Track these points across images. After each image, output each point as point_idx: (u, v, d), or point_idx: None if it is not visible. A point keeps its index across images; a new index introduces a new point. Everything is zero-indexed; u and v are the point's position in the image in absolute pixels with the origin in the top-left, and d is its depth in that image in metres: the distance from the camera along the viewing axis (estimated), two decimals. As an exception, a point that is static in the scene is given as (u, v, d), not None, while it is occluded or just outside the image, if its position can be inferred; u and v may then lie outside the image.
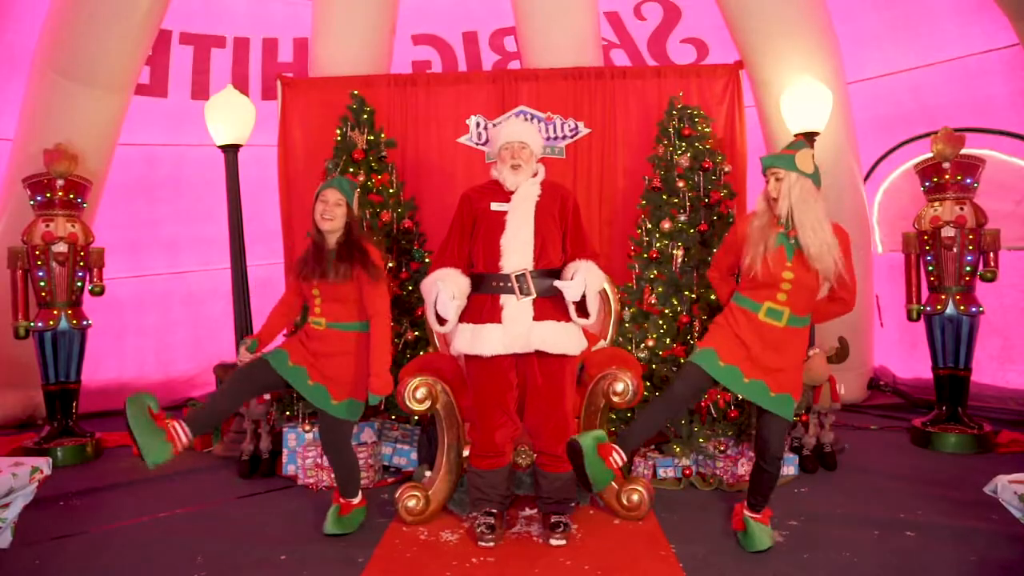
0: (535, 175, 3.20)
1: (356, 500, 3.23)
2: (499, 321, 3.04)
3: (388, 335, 3.12)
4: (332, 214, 3.07)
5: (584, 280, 3.03)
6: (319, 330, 3.10)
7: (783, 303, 2.76)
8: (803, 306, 2.79)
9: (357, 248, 3.07)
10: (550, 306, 3.07)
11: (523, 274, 3.05)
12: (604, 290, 3.76)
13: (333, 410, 3.07)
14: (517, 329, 3.02)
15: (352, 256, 3.05)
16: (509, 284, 3.05)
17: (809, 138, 4.52)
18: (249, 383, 3.11)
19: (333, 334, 3.08)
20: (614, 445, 2.78)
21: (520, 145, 3.17)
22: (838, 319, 3.00)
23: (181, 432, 2.86)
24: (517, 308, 3.04)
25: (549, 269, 3.09)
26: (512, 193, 3.15)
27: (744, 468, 3.68)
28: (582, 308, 3.06)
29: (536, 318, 3.04)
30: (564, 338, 3.07)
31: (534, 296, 3.05)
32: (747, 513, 2.97)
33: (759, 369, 2.78)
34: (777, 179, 2.77)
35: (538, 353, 3.06)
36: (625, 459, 2.79)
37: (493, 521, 3.10)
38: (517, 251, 3.05)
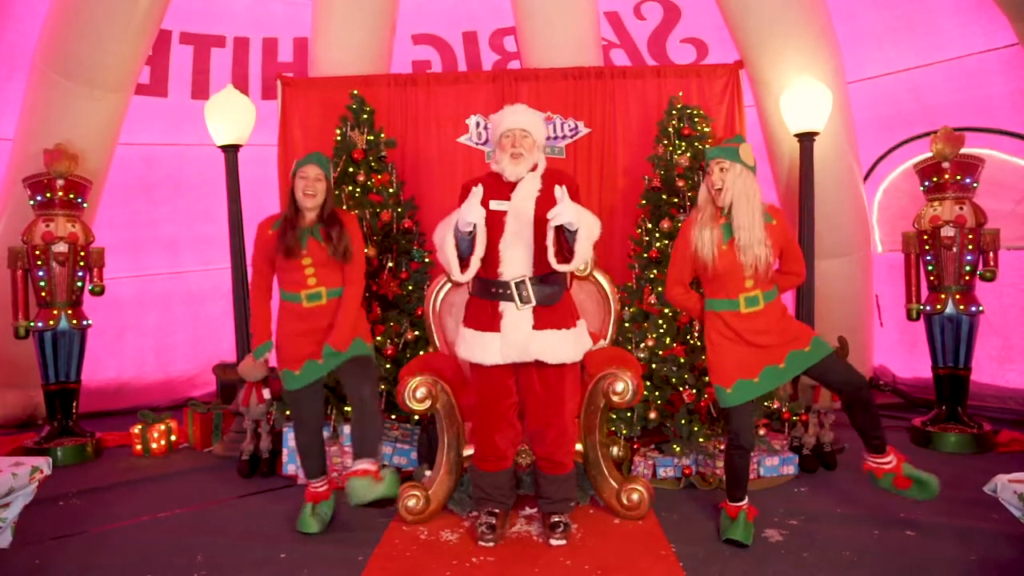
0: (535, 168, 3.06)
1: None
2: (498, 330, 2.99)
3: (359, 302, 3.22)
4: (314, 189, 3.12)
5: (577, 208, 2.77)
6: (320, 306, 3.13)
7: (752, 288, 2.88)
8: (767, 281, 2.91)
9: (337, 218, 3.19)
10: (550, 313, 3.01)
11: (522, 281, 2.98)
12: (604, 290, 3.76)
13: (354, 349, 3.13)
14: (515, 337, 2.97)
15: (339, 221, 3.17)
16: (508, 291, 2.98)
17: (809, 138, 4.53)
18: (310, 412, 3.25)
19: (334, 305, 3.14)
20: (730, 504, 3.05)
21: (522, 133, 3.01)
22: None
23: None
24: (516, 316, 2.98)
25: (550, 273, 3.00)
26: (512, 186, 3.03)
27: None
28: (562, 252, 2.86)
29: (536, 327, 2.98)
30: (564, 347, 3.02)
31: (534, 304, 2.99)
32: (871, 459, 3.07)
33: (779, 349, 2.89)
34: (722, 169, 2.88)
35: (537, 362, 3.02)
36: (743, 505, 3.02)
37: (495, 521, 3.10)
38: (516, 258, 2.98)
